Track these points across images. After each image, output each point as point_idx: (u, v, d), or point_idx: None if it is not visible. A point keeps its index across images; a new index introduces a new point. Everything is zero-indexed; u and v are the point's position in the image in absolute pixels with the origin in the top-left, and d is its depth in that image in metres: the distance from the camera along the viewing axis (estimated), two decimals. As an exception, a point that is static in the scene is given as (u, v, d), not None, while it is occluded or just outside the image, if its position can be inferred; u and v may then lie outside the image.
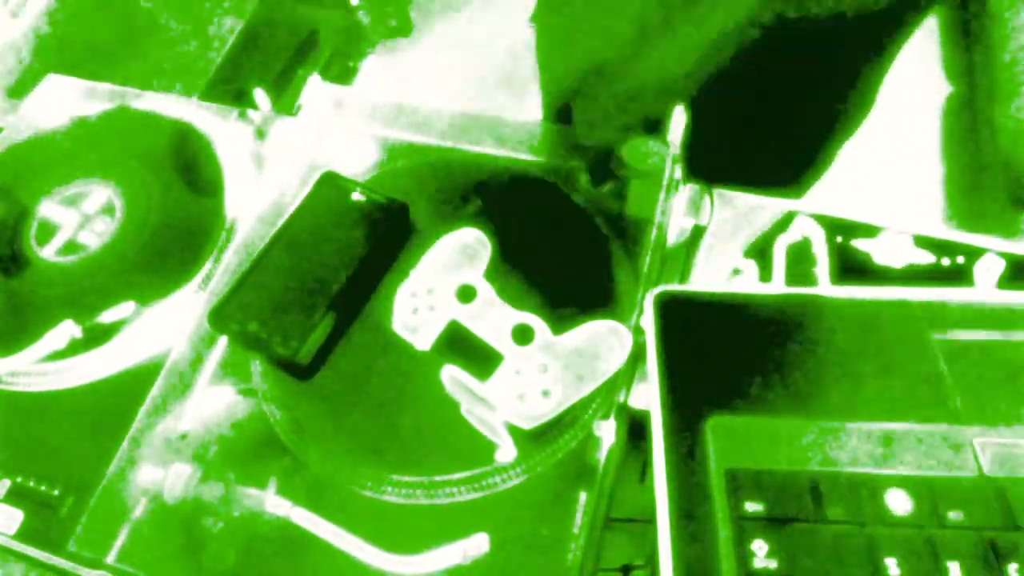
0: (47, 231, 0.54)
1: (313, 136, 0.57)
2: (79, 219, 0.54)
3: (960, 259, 0.45)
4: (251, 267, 0.47)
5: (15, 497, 0.44)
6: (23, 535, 0.43)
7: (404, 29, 1.76)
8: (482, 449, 0.41)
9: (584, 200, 0.50)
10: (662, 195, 0.48)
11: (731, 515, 0.33)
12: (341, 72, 1.60)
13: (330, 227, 0.49)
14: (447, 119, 0.56)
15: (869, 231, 0.47)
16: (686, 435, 0.36)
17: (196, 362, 0.47)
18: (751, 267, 0.47)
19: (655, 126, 0.47)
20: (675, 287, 0.42)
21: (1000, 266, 0.44)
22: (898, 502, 0.32)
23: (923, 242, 0.46)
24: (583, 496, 0.40)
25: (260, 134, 0.58)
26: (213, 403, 0.45)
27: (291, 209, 0.50)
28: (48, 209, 0.55)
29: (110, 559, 0.41)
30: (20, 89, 0.65)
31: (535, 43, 0.73)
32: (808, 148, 0.65)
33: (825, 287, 0.44)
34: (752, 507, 0.33)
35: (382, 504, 0.41)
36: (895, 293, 0.40)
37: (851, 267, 0.46)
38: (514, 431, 0.41)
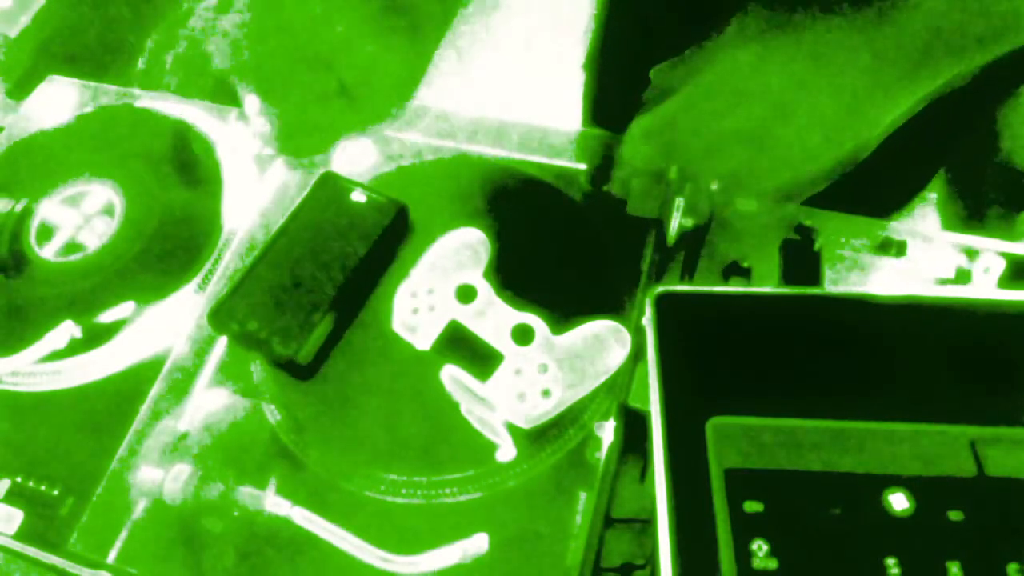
0: (47, 231, 0.54)
1: (313, 136, 0.56)
2: (79, 219, 0.54)
3: (960, 259, 0.45)
4: (251, 267, 0.47)
5: (15, 497, 0.44)
6: (23, 535, 0.42)
7: (404, 29, 1.76)
8: (482, 449, 0.41)
9: (584, 200, 0.50)
10: (663, 194, 0.48)
11: (731, 515, 0.33)
12: (341, 72, 1.59)
13: (330, 227, 0.49)
14: (446, 119, 0.56)
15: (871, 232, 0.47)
16: (686, 435, 0.35)
17: (196, 362, 0.47)
18: (751, 267, 0.47)
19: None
20: (675, 287, 0.41)
21: (1000, 266, 0.44)
22: (898, 502, 0.32)
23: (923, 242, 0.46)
24: (583, 496, 0.40)
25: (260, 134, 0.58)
26: (213, 403, 0.45)
27: (291, 209, 0.50)
28: (48, 209, 0.55)
29: (110, 559, 0.41)
30: (20, 89, 0.65)
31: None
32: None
33: (825, 287, 0.44)
34: (752, 507, 0.33)
35: (382, 504, 0.41)
36: (895, 293, 0.40)
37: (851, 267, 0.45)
38: (514, 431, 0.41)
